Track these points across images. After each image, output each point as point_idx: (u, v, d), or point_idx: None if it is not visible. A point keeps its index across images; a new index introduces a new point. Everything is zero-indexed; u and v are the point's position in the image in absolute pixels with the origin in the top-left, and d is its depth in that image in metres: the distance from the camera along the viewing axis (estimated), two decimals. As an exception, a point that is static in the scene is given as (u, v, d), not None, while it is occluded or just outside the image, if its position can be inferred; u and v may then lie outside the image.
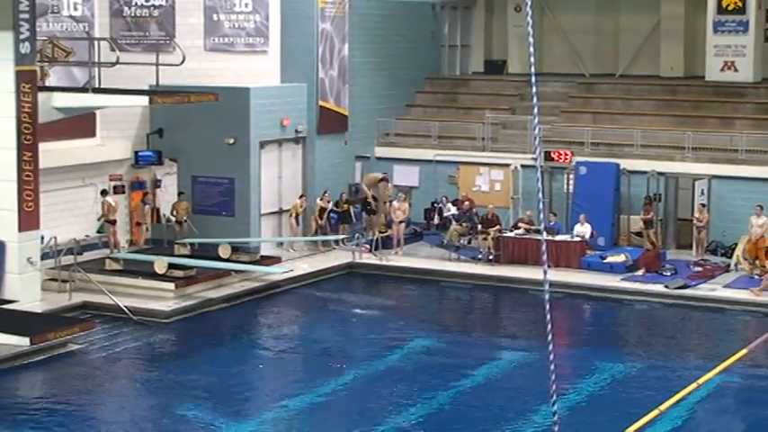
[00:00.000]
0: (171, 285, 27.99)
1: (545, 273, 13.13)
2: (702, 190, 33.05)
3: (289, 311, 28.97)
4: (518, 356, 24.47)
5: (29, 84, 25.76)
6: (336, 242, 33.58)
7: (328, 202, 33.60)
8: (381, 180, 34.96)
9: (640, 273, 30.69)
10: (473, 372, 23.27)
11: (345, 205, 34.15)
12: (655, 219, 32.98)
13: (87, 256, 29.95)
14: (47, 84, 29.43)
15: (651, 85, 38.31)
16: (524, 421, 20.17)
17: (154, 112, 32.64)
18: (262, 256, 31.09)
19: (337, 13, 35.21)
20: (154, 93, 28.96)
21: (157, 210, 33.42)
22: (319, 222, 33.36)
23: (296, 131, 33.52)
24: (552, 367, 12.95)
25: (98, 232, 31.91)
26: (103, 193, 31.41)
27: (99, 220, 31.61)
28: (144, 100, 28.85)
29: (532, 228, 32.39)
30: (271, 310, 28.85)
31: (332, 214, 33.74)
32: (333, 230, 33.78)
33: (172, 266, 28.50)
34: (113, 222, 31.25)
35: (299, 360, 25.08)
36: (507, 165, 35.60)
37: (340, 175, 35.62)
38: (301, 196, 33.25)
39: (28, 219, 25.93)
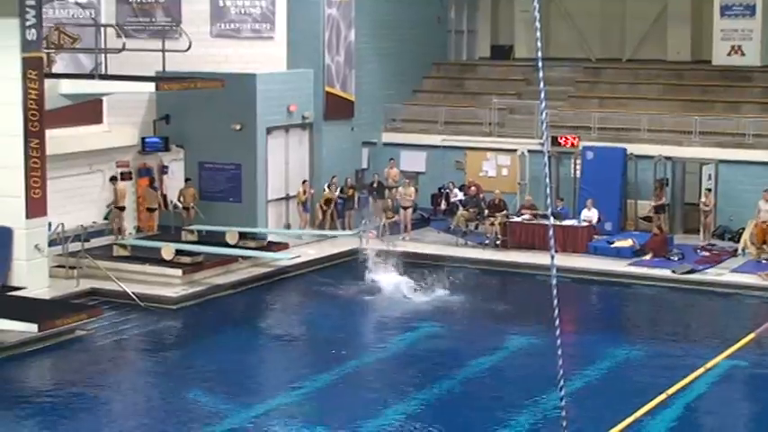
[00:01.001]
0: (178, 272, 28.03)
1: (552, 258, 13.12)
2: (709, 174, 33.02)
3: (296, 298, 29.00)
4: (525, 342, 24.48)
5: (35, 71, 25.73)
6: (344, 228, 33.59)
7: (337, 188, 33.47)
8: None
9: (647, 257, 30.67)
10: (480, 357, 23.29)
11: (351, 191, 34.10)
12: (665, 203, 32.90)
13: (95, 242, 29.97)
14: (53, 71, 29.42)
15: (658, 70, 38.26)
16: (532, 406, 20.18)
17: (160, 98, 32.63)
18: (269, 243, 31.10)
19: (343, -2, 35.19)
20: (160, 79, 28.95)
21: (164, 196, 33.42)
22: (324, 211, 33.28)
23: (303, 117, 33.51)
24: (560, 352, 12.96)
25: (106, 219, 31.96)
26: (113, 179, 31.43)
27: (108, 207, 31.57)
28: (150, 86, 28.84)
29: (539, 212, 32.39)
30: (278, 296, 28.88)
31: (339, 200, 33.69)
32: (339, 216, 33.75)
33: (179, 253, 28.55)
34: (122, 209, 31.29)
35: (307, 346, 25.11)
36: (514, 150, 35.57)
37: (347, 160, 35.60)
38: (304, 182, 33.16)
39: (35, 206, 25.93)
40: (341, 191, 33.77)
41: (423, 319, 26.24)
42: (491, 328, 25.89)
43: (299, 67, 33.93)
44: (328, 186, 33.45)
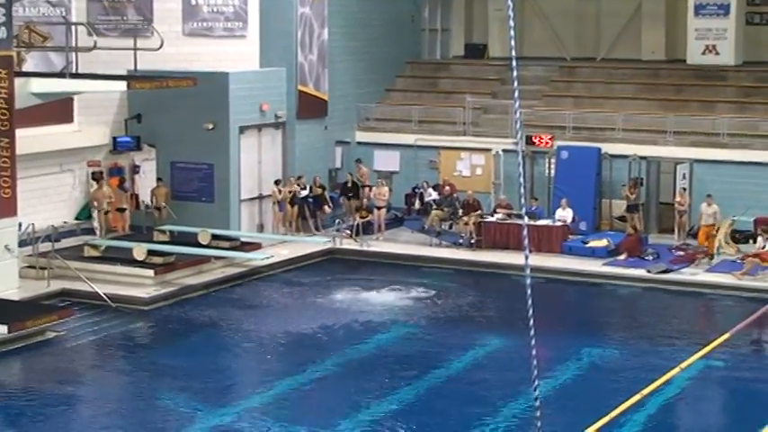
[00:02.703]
0: (150, 272, 27.83)
1: (526, 258, 13.03)
2: (684, 174, 33.01)
3: (269, 298, 28.79)
4: (499, 342, 24.41)
5: (5, 69, 25.55)
6: (317, 228, 33.44)
7: (302, 187, 33.19)
8: None
9: (622, 257, 30.61)
10: (454, 358, 23.21)
11: (319, 189, 33.84)
12: (638, 202, 32.84)
13: (65, 242, 29.79)
14: (24, 69, 29.15)
15: (632, 69, 38.24)
16: (506, 407, 20.11)
17: (132, 97, 32.44)
18: (242, 243, 30.93)
19: (317, -3, 35.04)
20: (132, 78, 28.76)
21: (136, 196, 33.24)
22: (290, 210, 33.00)
23: (275, 116, 33.34)
24: (534, 353, 12.86)
25: (81, 218, 31.75)
26: (96, 178, 31.23)
27: (99, 207, 31.31)
28: (122, 85, 28.62)
29: (513, 212, 32.32)
30: (251, 296, 28.67)
31: (309, 199, 33.49)
32: (312, 216, 33.57)
33: (151, 253, 28.34)
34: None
35: (280, 347, 24.93)
36: (488, 149, 35.51)
37: (320, 160, 35.49)
38: (277, 182, 32.90)
39: (5, 205, 25.76)
40: (309, 190, 33.53)
41: (396, 320, 26.13)
42: (465, 329, 25.77)
43: (271, 66, 33.77)
44: (286, 185, 33.01)
